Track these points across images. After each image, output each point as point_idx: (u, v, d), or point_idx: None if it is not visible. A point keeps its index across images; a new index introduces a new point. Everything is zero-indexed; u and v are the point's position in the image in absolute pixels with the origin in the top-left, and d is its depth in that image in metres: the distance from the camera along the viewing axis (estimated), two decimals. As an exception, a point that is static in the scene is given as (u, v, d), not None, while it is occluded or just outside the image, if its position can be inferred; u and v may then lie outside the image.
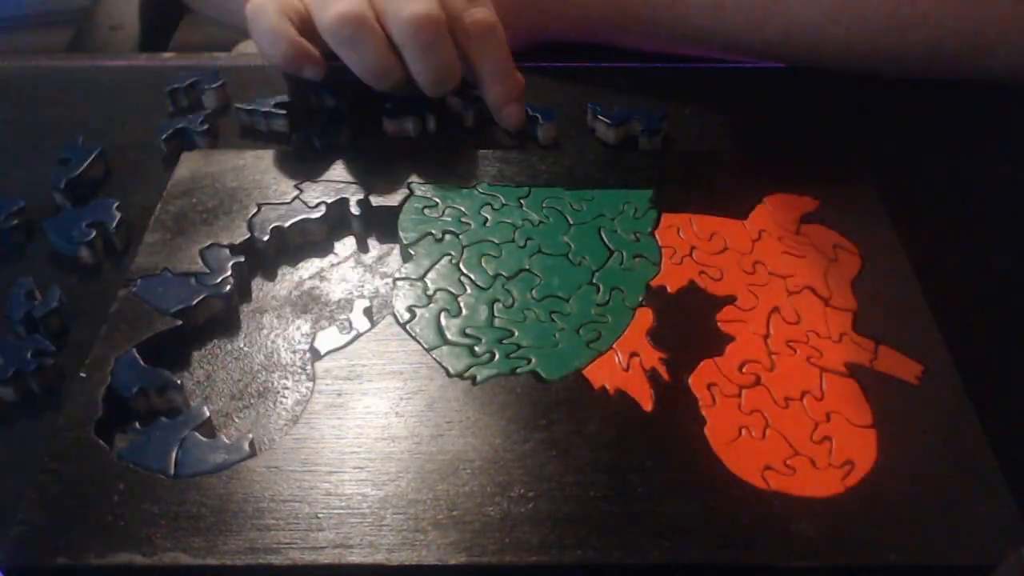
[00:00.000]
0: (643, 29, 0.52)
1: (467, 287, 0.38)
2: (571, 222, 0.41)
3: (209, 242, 0.40)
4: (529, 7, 0.53)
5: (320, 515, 0.30)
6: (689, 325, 0.37)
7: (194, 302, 0.37)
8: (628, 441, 0.33)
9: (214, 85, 0.50)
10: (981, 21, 0.48)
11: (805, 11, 0.49)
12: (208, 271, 0.38)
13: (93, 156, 0.46)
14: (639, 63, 0.53)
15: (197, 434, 0.33)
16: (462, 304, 0.38)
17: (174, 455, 0.32)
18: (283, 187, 0.42)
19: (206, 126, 0.47)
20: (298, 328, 0.38)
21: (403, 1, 0.44)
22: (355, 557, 0.29)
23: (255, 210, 0.41)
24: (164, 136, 0.47)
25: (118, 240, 0.42)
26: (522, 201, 0.42)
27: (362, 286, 0.39)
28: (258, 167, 0.43)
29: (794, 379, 0.35)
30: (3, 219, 0.42)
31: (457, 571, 0.29)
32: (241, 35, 0.68)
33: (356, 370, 0.35)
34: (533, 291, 0.38)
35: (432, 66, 0.45)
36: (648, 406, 0.34)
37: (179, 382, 0.34)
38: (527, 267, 0.39)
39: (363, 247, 0.42)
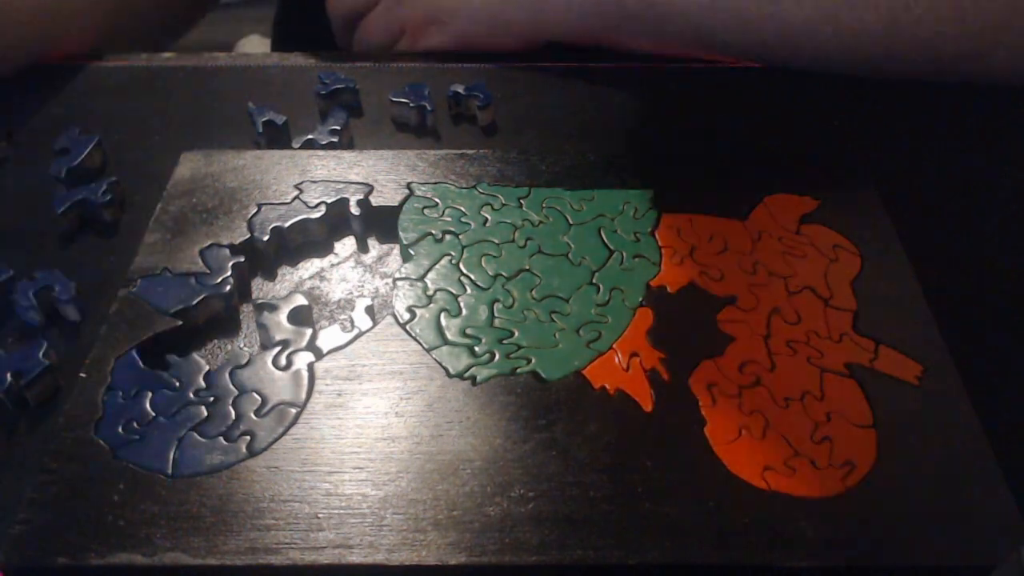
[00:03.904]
0: (638, 28, 0.52)
1: (467, 287, 0.38)
2: (571, 222, 0.41)
3: (209, 242, 0.40)
4: (526, 7, 0.53)
5: (320, 515, 0.30)
6: (689, 325, 0.37)
7: (194, 302, 0.37)
8: (628, 441, 0.33)
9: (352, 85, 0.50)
10: (977, 23, 0.48)
11: (800, 11, 0.49)
12: (208, 271, 0.38)
13: (91, 146, 0.46)
14: (640, 63, 0.54)
15: (195, 434, 0.33)
16: (462, 304, 0.38)
17: (172, 454, 0.32)
18: (283, 187, 0.42)
19: (110, 196, 0.44)
20: (298, 328, 0.38)
21: None
22: (355, 557, 0.30)
23: (255, 210, 0.41)
24: (63, 209, 0.43)
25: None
26: (522, 201, 0.42)
27: (362, 286, 0.39)
28: (258, 167, 0.43)
29: (794, 379, 0.35)
30: None
31: (457, 571, 0.29)
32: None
33: (356, 370, 0.35)
34: (533, 291, 0.38)
35: None
36: (648, 406, 0.34)
37: (179, 382, 0.34)
38: (527, 267, 0.39)
39: (363, 247, 0.41)
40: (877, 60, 0.50)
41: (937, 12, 0.48)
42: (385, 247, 0.41)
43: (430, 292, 0.38)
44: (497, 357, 0.35)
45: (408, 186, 0.42)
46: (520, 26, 0.54)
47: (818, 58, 0.51)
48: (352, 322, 0.37)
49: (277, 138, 0.48)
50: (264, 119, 0.48)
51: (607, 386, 0.34)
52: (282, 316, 0.37)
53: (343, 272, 0.40)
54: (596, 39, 0.54)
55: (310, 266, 0.41)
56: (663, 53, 0.54)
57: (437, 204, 0.42)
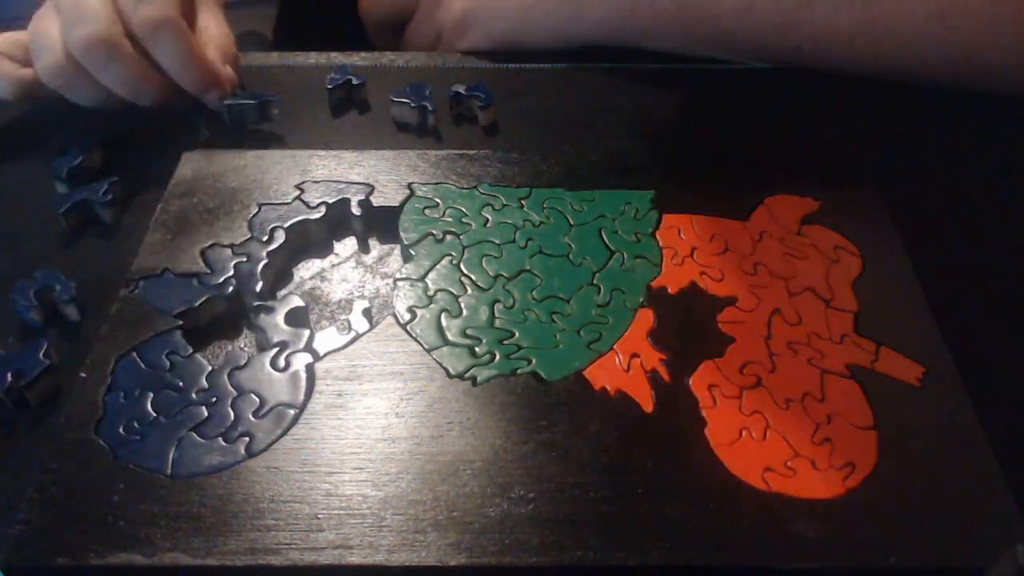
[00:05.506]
0: (669, 31, 0.52)
1: (468, 288, 0.38)
2: (572, 223, 0.41)
3: (210, 242, 0.40)
4: (564, 5, 0.53)
5: (320, 516, 0.30)
6: (690, 326, 0.37)
7: (197, 303, 0.37)
8: (628, 442, 0.33)
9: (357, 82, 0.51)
10: (1012, 35, 0.47)
11: (834, 18, 0.49)
12: (209, 271, 0.38)
13: (92, 146, 0.46)
14: (640, 64, 0.53)
15: (194, 434, 0.33)
16: (463, 305, 0.38)
17: (172, 455, 0.32)
18: (284, 187, 0.42)
19: (110, 196, 0.43)
20: (298, 328, 0.38)
21: (71, 25, 0.44)
22: (355, 558, 0.29)
23: (256, 210, 0.41)
24: (63, 209, 0.43)
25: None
26: (523, 202, 0.42)
27: (363, 286, 0.39)
28: (259, 167, 0.43)
29: (795, 380, 0.35)
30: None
31: (457, 572, 0.29)
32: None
33: (356, 371, 0.35)
34: (534, 292, 0.38)
35: (114, 82, 0.46)
36: (648, 407, 0.34)
37: (179, 383, 0.34)
38: (528, 268, 0.39)
39: (364, 247, 0.41)
40: (910, 69, 0.50)
41: (971, 23, 0.47)
42: (386, 247, 0.41)
43: (431, 292, 0.38)
44: (498, 358, 0.35)
45: (409, 186, 0.42)
46: (557, 27, 0.54)
47: (850, 65, 0.50)
48: (352, 323, 0.37)
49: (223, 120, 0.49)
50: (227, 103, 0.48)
51: (607, 387, 0.34)
52: (279, 318, 0.37)
53: (344, 272, 0.40)
54: (625, 42, 0.53)
55: (311, 266, 0.41)
56: (688, 57, 0.53)
57: (438, 204, 0.42)
